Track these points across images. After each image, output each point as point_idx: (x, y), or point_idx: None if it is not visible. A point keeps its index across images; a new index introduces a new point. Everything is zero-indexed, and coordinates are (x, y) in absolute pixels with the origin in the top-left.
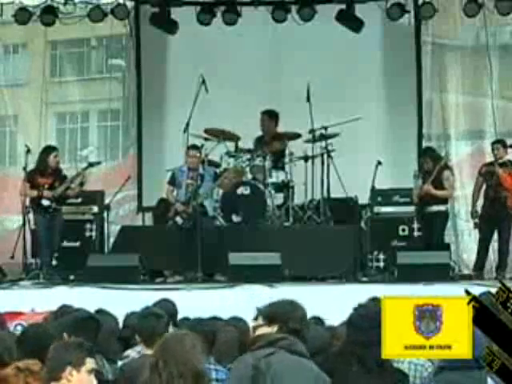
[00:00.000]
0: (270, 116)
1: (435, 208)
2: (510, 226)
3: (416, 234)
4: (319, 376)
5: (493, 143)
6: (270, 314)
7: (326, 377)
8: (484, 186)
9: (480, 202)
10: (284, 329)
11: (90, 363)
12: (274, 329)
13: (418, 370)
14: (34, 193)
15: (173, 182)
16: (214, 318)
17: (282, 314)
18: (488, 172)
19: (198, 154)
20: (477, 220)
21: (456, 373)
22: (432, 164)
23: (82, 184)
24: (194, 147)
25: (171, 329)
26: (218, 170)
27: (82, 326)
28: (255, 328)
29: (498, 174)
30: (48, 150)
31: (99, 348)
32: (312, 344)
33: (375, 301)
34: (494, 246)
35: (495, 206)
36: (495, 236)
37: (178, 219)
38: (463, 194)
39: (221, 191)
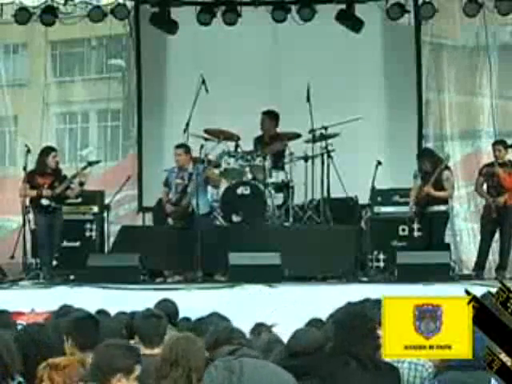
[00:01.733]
0: (271, 116)
1: (435, 208)
2: (511, 226)
3: (416, 234)
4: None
5: (493, 144)
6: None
7: (290, 376)
8: (485, 187)
9: (482, 200)
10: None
11: (137, 370)
12: None
13: (418, 370)
14: (34, 192)
15: (166, 183)
16: (212, 315)
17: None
18: (488, 173)
19: (185, 154)
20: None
21: (459, 373)
22: (430, 165)
23: (81, 184)
24: (180, 146)
25: (169, 329)
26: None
27: (80, 326)
28: None
29: (498, 174)
30: (47, 150)
31: None
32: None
33: (364, 302)
34: (493, 246)
35: (496, 206)
36: (495, 237)
37: (170, 220)
38: (462, 194)
39: (220, 191)
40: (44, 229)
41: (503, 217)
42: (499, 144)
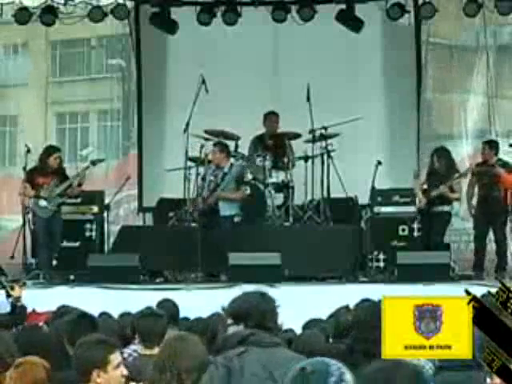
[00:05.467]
0: (275, 117)
1: (439, 208)
2: (504, 225)
3: (416, 234)
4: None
5: (483, 144)
6: (234, 311)
7: (303, 359)
8: (476, 186)
9: (474, 200)
10: (249, 325)
11: (115, 359)
12: (240, 327)
13: None
14: (32, 193)
15: (204, 177)
16: (214, 315)
17: (245, 311)
18: (480, 172)
19: (220, 152)
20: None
21: (455, 373)
22: (445, 166)
23: (80, 185)
24: (218, 144)
25: (168, 329)
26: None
27: (75, 326)
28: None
29: (498, 174)
30: (49, 150)
31: None
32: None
33: (369, 301)
34: (493, 246)
35: (488, 205)
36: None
37: (195, 214)
38: (462, 194)
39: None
40: (42, 229)
41: (494, 215)
42: (486, 144)
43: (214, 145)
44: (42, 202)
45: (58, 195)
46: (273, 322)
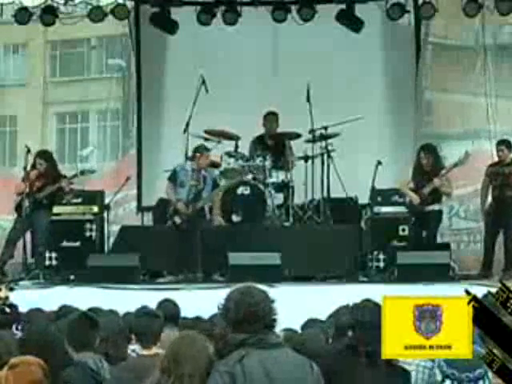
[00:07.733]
0: (275, 117)
1: (431, 207)
2: None
3: (416, 234)
4: (298, 363)
5: (497, 144)
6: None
7: (304, 359)
8: (490, 187)
9: (488, 203)
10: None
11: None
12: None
13: (421, 372)
14: (18, 198)
15: (174, 179)
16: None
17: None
18: (493, 173)
19: (209, 156)
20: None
21: None
22: (431, 163)
23: (69, 191)
24: (206, 149)
25: (168, 329)
26: (217, 175)
27: (74, 326)
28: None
29: (506, 174)
30: (36, 154)
31: (105, 347)
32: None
33: (370, 301)
34: (501, 247)
35: (501, 206)
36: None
37: (177, 219)
38: (462, 194)
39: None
40: (26, 230)
41: (508, 216)
42: (502, 144)
43: (204, 149)
44: (25, 203)
45: (45, 197)
46: (262, 324)
